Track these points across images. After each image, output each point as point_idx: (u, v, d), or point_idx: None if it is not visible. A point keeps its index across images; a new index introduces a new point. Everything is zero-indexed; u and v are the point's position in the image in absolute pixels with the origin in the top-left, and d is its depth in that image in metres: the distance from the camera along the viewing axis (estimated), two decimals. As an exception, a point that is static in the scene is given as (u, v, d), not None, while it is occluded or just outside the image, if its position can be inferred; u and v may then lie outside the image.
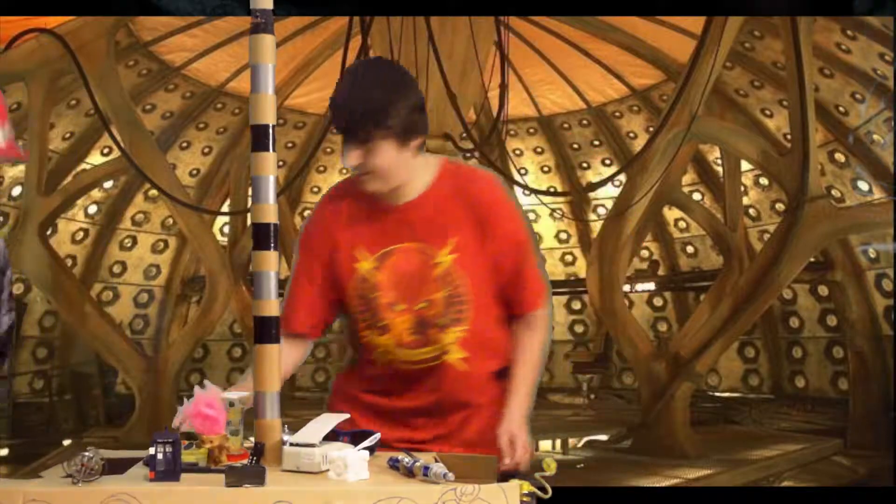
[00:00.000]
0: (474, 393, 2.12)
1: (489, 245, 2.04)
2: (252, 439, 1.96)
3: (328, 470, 1.74)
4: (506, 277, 2.10)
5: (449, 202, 2.05)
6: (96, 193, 13.08)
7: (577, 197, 15.33)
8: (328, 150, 15.73)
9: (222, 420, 1.85)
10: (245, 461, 1.80)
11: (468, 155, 13.58)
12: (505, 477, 1.84)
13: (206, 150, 14.17)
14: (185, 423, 1.85)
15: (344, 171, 17.18)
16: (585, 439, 11.13)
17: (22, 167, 11.24)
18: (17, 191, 11.66)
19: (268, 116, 1.92)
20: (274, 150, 2.03)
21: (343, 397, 2.21)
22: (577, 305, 16.02)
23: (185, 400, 1.89)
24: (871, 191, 11.28)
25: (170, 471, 1.66)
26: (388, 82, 1.96)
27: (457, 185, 2.08)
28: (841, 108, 11.20)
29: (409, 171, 2.03)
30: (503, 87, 12.09)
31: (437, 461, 1.75)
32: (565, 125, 15.25)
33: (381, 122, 1.92)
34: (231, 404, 1.91)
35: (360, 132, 1.93)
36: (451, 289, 2.02)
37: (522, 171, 15.28)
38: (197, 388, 1.89)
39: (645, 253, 14.88)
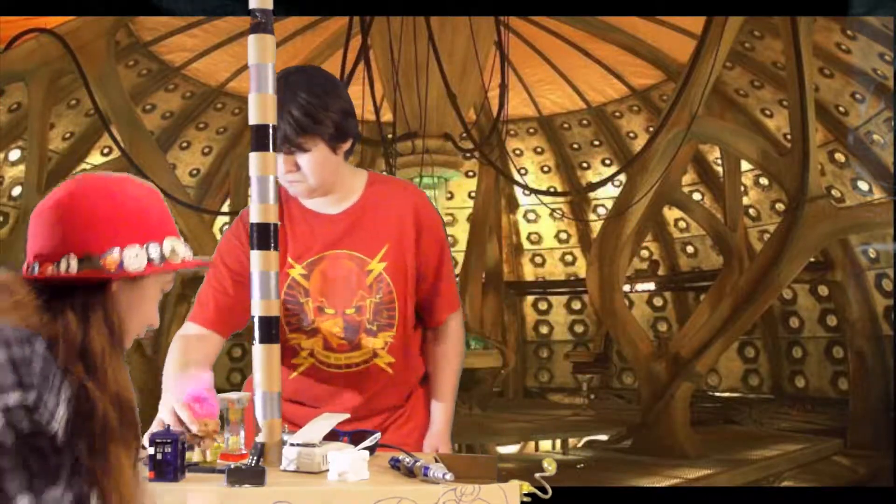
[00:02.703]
0: (398, 398, 2.18)
1: (418, 255, 2.09)
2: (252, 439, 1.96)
3: (328, 470, 1.74)
4: (426, 287, 2.15)
5: (381, 211, 2.08)
6: (96, 193, 13.06)
7: (577, 197, 15.33)
8: (328, 150, 15.74)
9: (215, 405, 1.85)
10: (245, 461, 1.80)
11: (468, 155, 13.59)
12: None
13: (206, 150, 14.18)
14: (180, 413, 1.84)
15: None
16: (585, 439, 11.13)
17: (21, 167, 11.26)
18: (17, 191, 11.65)
19: (268, 116, 1.92)
20: (274, 150, 2.04)
21: None
22: (577, 305, 16.02)
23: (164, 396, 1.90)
24: (871, 191, 11.28)
25: (170, 471, 1.66)
26: (315, 87, 1.97)
27: (388, 193, 2.11)
28: (841, 108, 11.20)
29: (338, 176, 2.05)
30: (503, 87, 12.09)
31: (437, 461, 1.75)
32: (565, 125, 15.24)
33: (309, 127, 1.94)
34: (234, 403, 1.91)
35: (289, 137, 1.94)
36: (381, 295, 2.06)
37: (522, 171, 15.28)
38: (171, 379, 1.93)
39: (645, 253, 14.88)
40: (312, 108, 1.94)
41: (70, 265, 1.21)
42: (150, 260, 1.24)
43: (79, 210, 1.24)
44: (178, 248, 1.29)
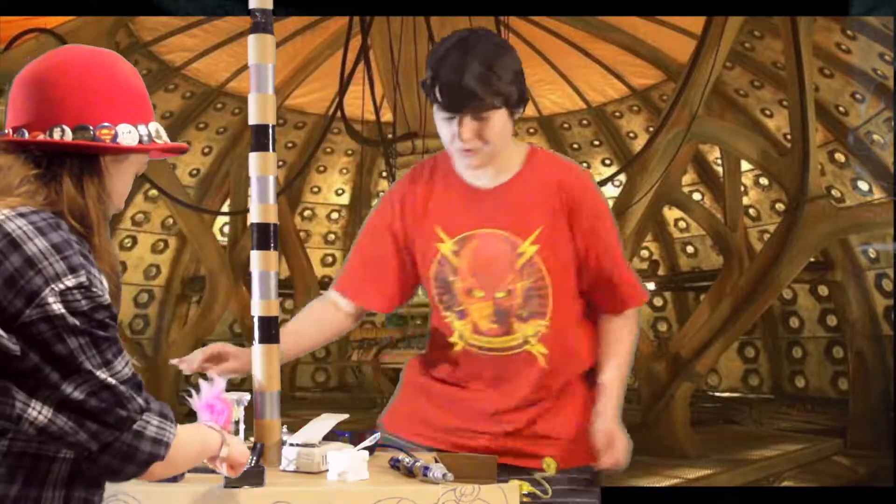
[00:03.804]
0: (550, 390, 1.99)
1: (576, 240, 1.91)
2: (252, 439, 1.96)
3: (328, 470, 1.74)
4: (592, 277, 1.96)
5: (537, 190, 1.91)
6: (96, 193, 13.06)
7: (577, 197, 15.31)
8: (328, 150, 15.72)
9: (228, 414, 1.85)
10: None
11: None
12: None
13: (206, 150, 14.17)
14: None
15: (344, 171, 17.21)
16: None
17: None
18: (17, 191, 11.65)
19: (268, 116, 1.92)
20: (274, 150, 2.03)
21: (413, 386, 2.12)
22: (577, 305, 16.01)
23: (188, 399, 1.89)
24: (871, 191, 11.28)
25: (170, 471, 1.65)
26: (494, 51, 1.85)
27: (547, 172, 1.94)
28: (841, 108, 11.19)
29: (508, 145, 1.92)
30: (503, 87, 12.06)
31: (437, 461, 1.75)
32: (565, 125, 15.24)
33: (498, 89, 1.81)
34: (236, 403, 1.91)
35: (480, 98, 1.81)
36: (532, 281, 1.89)
37: (522, 171, 15.27)
38: (202, 382, 1.90)
39: (645, 253, 14.88)
40: (500, 70, 1.82)
41: (64, 133, 1.19)
42: (139, 137, 1.27)
43: (73, 79, 1.23)
44: (161, 131, 1.34)
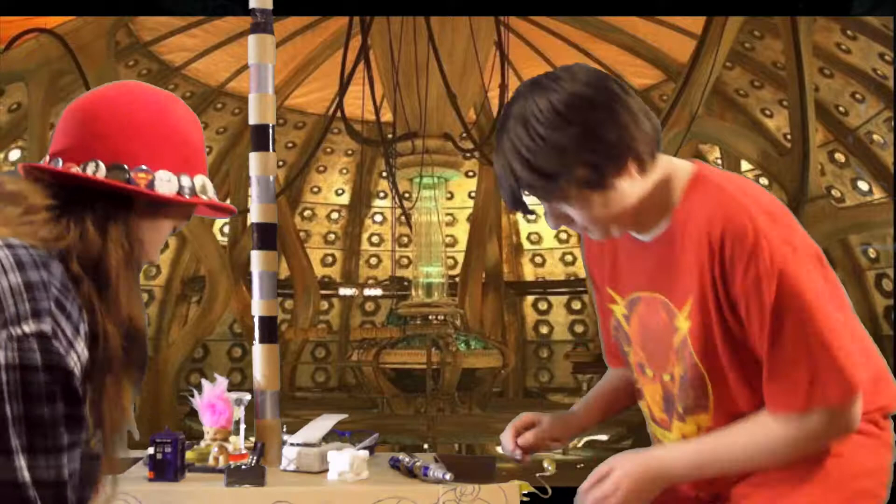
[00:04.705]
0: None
1: (732, 308, 1.32)
2: (252, 439, 1.96)
3: (328, 470, 1.74)
4: (756, 355, 1.34)
5: (689, 242, 1.35)
6: (96, 193, 13.08)
7: (578, 197, 15.31)
8: (328, 150, 15.73)
9: (229, 415, 1.85)
10: (245, 461, 1.80)
11: (468, 155, 13.59)
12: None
13: (206, 149, 14.07)
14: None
15: (344, 171, 17.23)
16: (585, 439, 11.12)
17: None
18: (17, 191, 11.65)
19: (268, 116, 1.92)
20: (274, 150, 2.04)
21: None
22: (577, 305, 16.02)
23: (189, 398, 1.89)
24: (871, 191, 11.29)
25: (170, 471, 1.66)
26: (534, 120, 1.27)
27: (699, 216, 1.34)
28: (841, 108, 11.20)
29: (633, 203, 1.35)
30: (503, 87, 12.07)
31: (437, 461, 1.75)
32: (565, 125, 15.24)
33: (537, 186, 1.29)
34: (236, 403, 1.91)
35: (517, 199, 1.34)
36: (687, 367, 1.41)
37: (522, 171, 15.26)
38: (205, 382, 1.90)
39: (645, 253, 14.88)
40: (542, 147, 1.26)
41: (98, 169, 1.12)
42: (180, 188, 1.15)
43: (120, 115, 1.16)
44: (207, 187, 1.22)
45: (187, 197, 1.15)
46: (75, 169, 1.11)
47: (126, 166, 1.12)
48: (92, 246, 1.09)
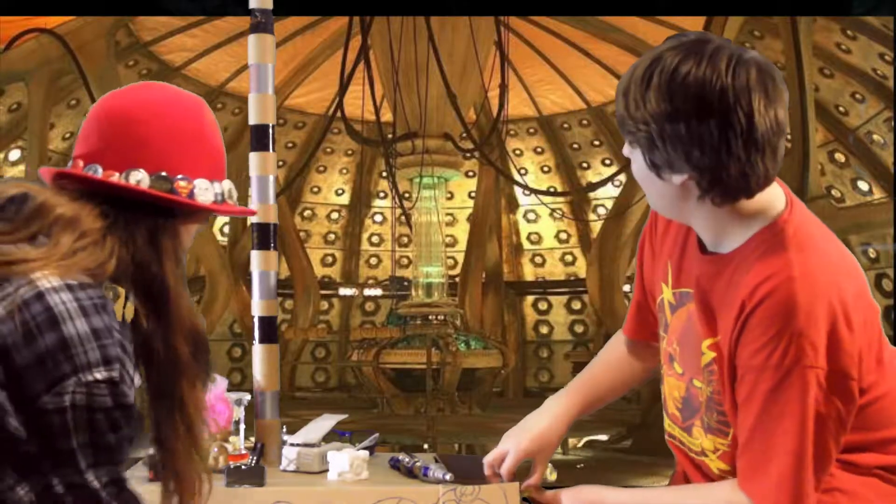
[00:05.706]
0: None
1: (733, 359, 1.30)
2: (252, 439, 1.96)
3: (328, 470, 1.74)
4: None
5: (731, 285, 1.31)
6: (96, 193, 13.07)
7: (577, 197, 15.33)
8: (328, 150, 15.73)
9: (229, 415, 1.85)
10: (245, 461, 1.80)
11: (468, 155, 13.60)
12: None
13: (207, 150, 14.19)
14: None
15: (344, 171, 17.22)
16: (585, 439, 11.13)
17: (22, 167, 11.25)
18: (17, 191, 11.65)
19: (268, 116, 1.92)
20: (274, 150, 2.04)
21: None
22: (577, 305, 16.01)
23: None
24: (871, 191, 11.29)
25: (170, 471, 1.66)
26: (680, 63, 1.18)
27: (747, 266, 1.29)
28: (841, 108, 11.21)
29: (684, 211, 1.32)
30: (503, 87, 12.08)
31: (437, 461, 1.75)
32: (565, 125, 15.25)
33: (623, 122, 1.24)
34: (236, 403, 1.91)
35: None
36: (713, 392, 1.37)
37: (522, 171, 15.28)
38: None
39: (645, 253, 14.87)
40: (656, 87, 1.19)
41: (141, 180, 1.08)
42: (216, 196, 1.13)
43: (163, 121, 1.11)
44: (233, 192, 1.20)
45: (219, 204, 1.14)
46: (117, 177, 1.07)
47: (169, 175, 1.09)
48: (147, 267, 1.08)
